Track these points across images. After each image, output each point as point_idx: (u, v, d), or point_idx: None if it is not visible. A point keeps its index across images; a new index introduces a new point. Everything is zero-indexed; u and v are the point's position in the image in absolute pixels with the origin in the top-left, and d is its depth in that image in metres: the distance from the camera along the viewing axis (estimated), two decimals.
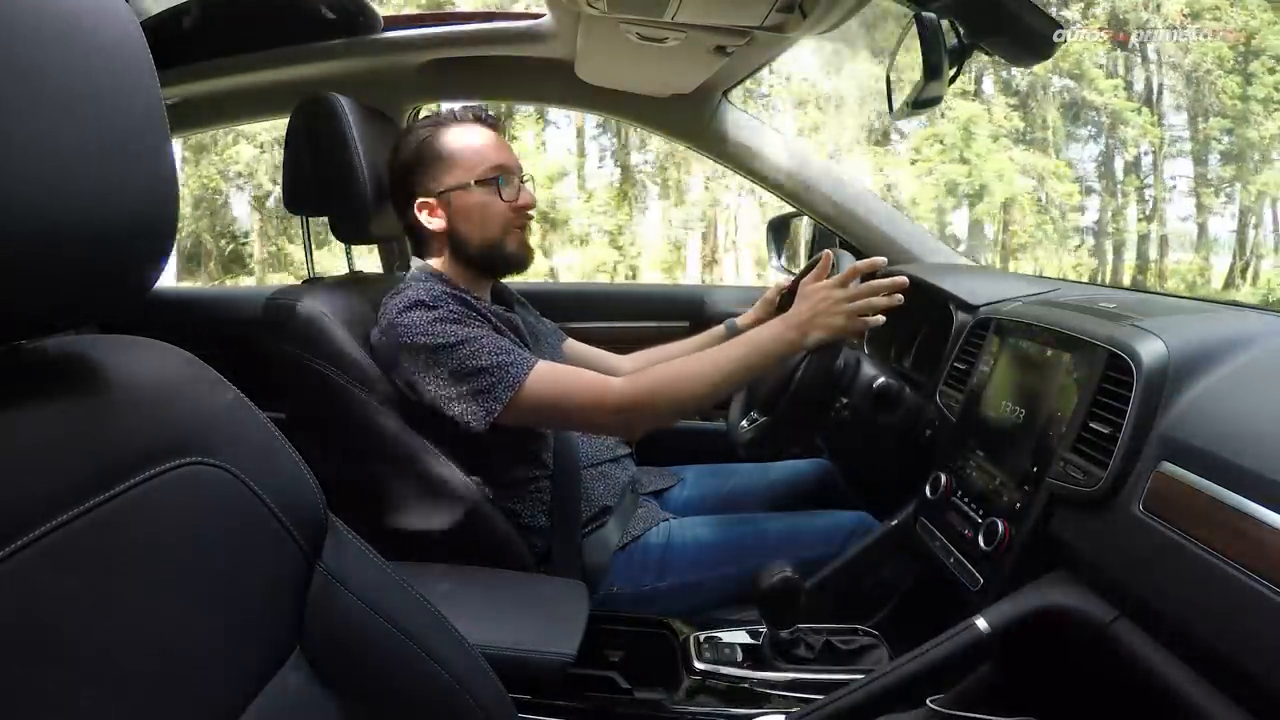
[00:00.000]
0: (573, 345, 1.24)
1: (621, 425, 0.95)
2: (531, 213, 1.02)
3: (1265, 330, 0.66)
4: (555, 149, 12.35)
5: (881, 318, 0.90)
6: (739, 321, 1.24)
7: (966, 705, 0.69)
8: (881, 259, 0.94)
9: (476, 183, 0.97)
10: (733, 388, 0.93)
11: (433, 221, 0.98)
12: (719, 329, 1.25)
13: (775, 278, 1.46)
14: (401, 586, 0.50)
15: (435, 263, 1.01)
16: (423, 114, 1.46)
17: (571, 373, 0.93)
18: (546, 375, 0.90)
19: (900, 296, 0.90)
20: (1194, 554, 0.51)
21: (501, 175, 0.98)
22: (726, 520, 1.07)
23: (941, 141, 10.97)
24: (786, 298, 1.23)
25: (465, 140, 0.98)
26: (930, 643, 0.67)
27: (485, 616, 0.77)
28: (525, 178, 1.02)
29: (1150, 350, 0.63)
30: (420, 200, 0.98)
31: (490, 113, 1.02)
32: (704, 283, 8.61)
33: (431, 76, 1.36)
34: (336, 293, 0.99)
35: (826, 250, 1.01)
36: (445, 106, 1.06)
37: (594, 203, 12.00)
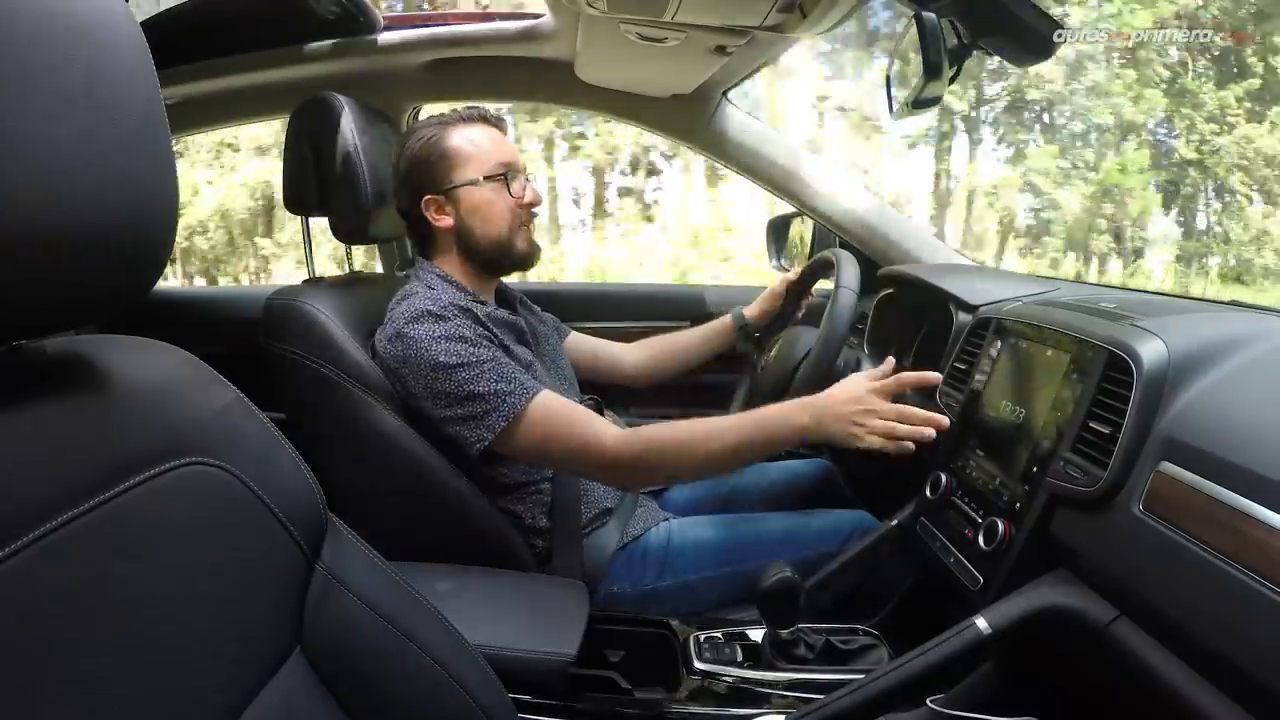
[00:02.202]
0: (576, 338, 1.24)
1: (609, 479, 0.91)
2: (536, 210, 1.03)
3: (1265, 330, 0.66)
4: None
5: (910, 445, 0.83)
6: (745, 312, 1.24)
7: (966, 705, 0.69)
8: (936, 376, 0.87)
9: (485, 179, 0.97)
10: (732, 467, 0.88)
11: (440, 219, 0.98)
12: (725, 319, 1.25)
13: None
14: (401, 586, 0.50)
15: (441, 262, 1.01)
16: (424, 114, 1.46)
17: (570, 414, 0.90)
18: (542, 413, 0.88)
19: (932, 432, 0.83)
20: (1194, 554, 0.51)
21: (509, 172, 0.99)
22: (726, 520, 1.07)
23: None
24: (792, 292, 1.23)
25: (472, 138, 0.98)
26: (930, 643, 0.67)
27: (485, 616, 0.77)
28: (529, 176, 1.02)
29: (1150, 350, 0.63)
30: (428, 198, 0.98)
31: (495, 113, 1.03)
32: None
33: (431, 76, 1.36)
34: (336, 293, 0.99)
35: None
36: (450, 106, 1.06)
37: None
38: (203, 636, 0.37)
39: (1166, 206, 8.20)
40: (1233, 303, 0.91)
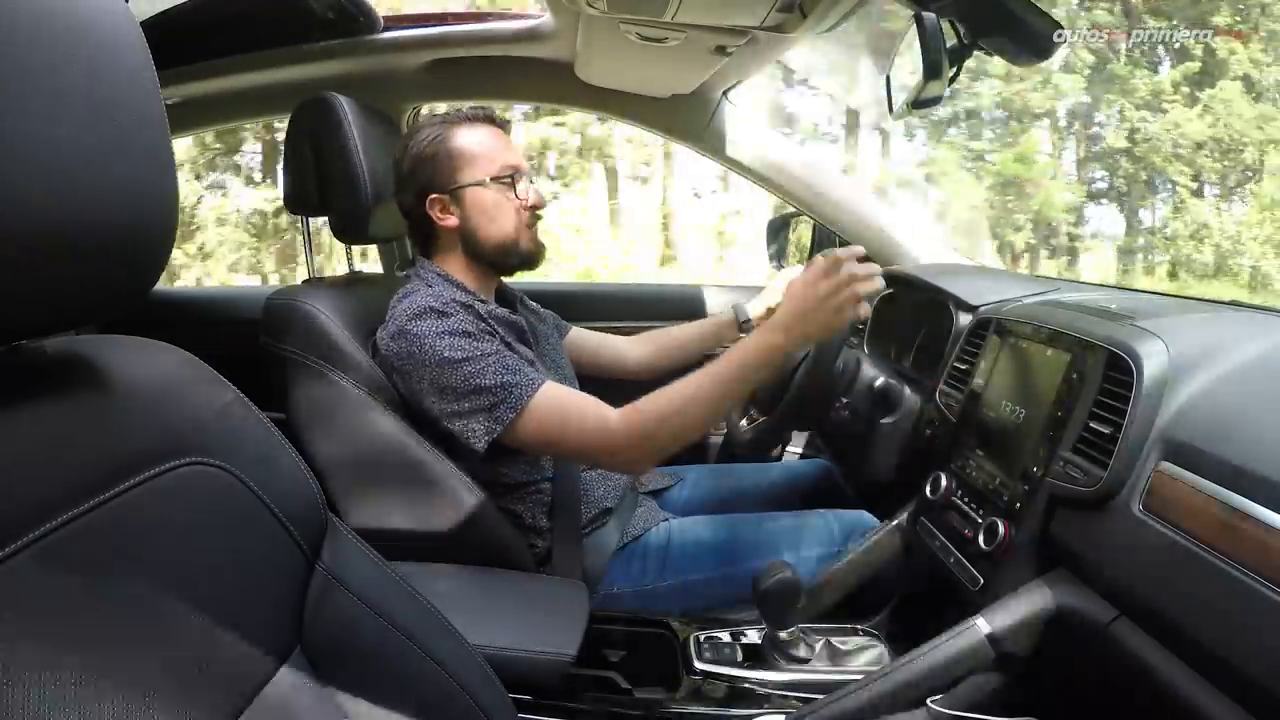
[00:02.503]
0: (577, 333, 1.24)
1: (620, 462, 0.91)
2: (541, 212, 1.03)
3: (1265, 330, 0.66)
4: None
5: (867, 308, 0.85)
6: (749, 308, 1.24)
7: (966, 705, 0.69)
8: (858, 247, 0.87)
9: (492, 180, 0.97)
10: (731, 406, 0.88)
11: (445, 219, 0.98)
12: (727, 313, 1.25)
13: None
14: (401, 587, 0.50)
15: (443, 261, 1.01)
16: (424, 113, 1.46)
17: (576, 402, 0.91)
18: (549, 403, 0.88)
19: (881, 281, 0.85)
20: (1194, 554, 0.51)
21: (515, 174, 0.99)
22: (726, 520, 1.07)
23: None
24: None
25: (479, 139, 0.98)
26: (930, 643, 0.67)
27: (485, 617, 0.77)
28: (533, 178, 1.02)
29: (1150, 350, 0.63)
30: (433, 197, 0.98)
31: (499, 114, 1.02)
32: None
33: (431, 77, 1.36)
34: (336, 293, 0.99)
35: (819, 256, 1.00)
36: (450, 106, 1.06)
37: None
38: (202, 636, 0.37)
39: (1096, 199, 7.83)
40: (1233, 303, 0.91)
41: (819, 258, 0.90)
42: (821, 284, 0.84)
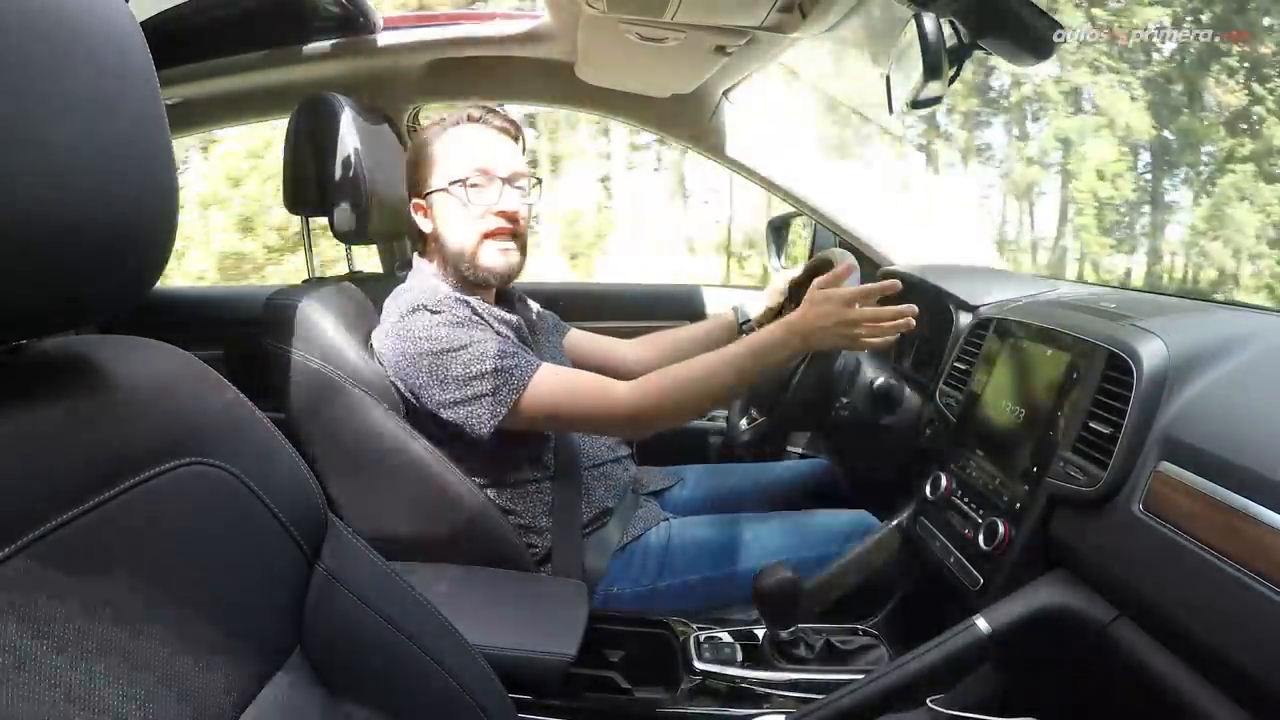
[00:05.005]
0: (576, 335, 1.24)
1: (628, 430, 0.94)
2: (513, 223, 0.95)
3: (1265, 330, 0.66)
4: None
5: (891, 338, 0.88)
6: (748, 309, 1.24)
7: (966, 705, 0.69)
8: (895, 284, 0.90)
9: (453, 184, 0.94)
10: (736, 391, 0.92)
11: (424, 223, 0.99)
12: (728, 314, 1.25)
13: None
14: (401, 587, 0.51)
15: (436, 262, 1.01)
16: (424, 114, 1.46)
17: (577, 376, 0.92)
18: (551, 379, 0.89)
19: (913, 321, 0.87)
20: (1194, 554, 0.51)
21: (484, 179, 0.94)
22: (727, 520, 1.07)
23: None
24: (796, 290, 1.23)
25: (455, 141, 0.96)
26: (930, 643, 0.67)
27: (485, 616, 0.77)
28: (527, 182, 0.98)
29: (1150, 350, 0.63)
30: (414, 201, 0.98)
31: (502, 113, 0.99)
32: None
33: (432, 77, 1.36)
34: (336, 293, 0.99)
35: (844, 256, 1.00)
36: (449, 106, 1.05)
37: None
38: (202, 636, 0.37)
39: None
40: (1232, 303, 0.91)
41: (849, 262, 0.94)
42: (850, 310, 0.87)
